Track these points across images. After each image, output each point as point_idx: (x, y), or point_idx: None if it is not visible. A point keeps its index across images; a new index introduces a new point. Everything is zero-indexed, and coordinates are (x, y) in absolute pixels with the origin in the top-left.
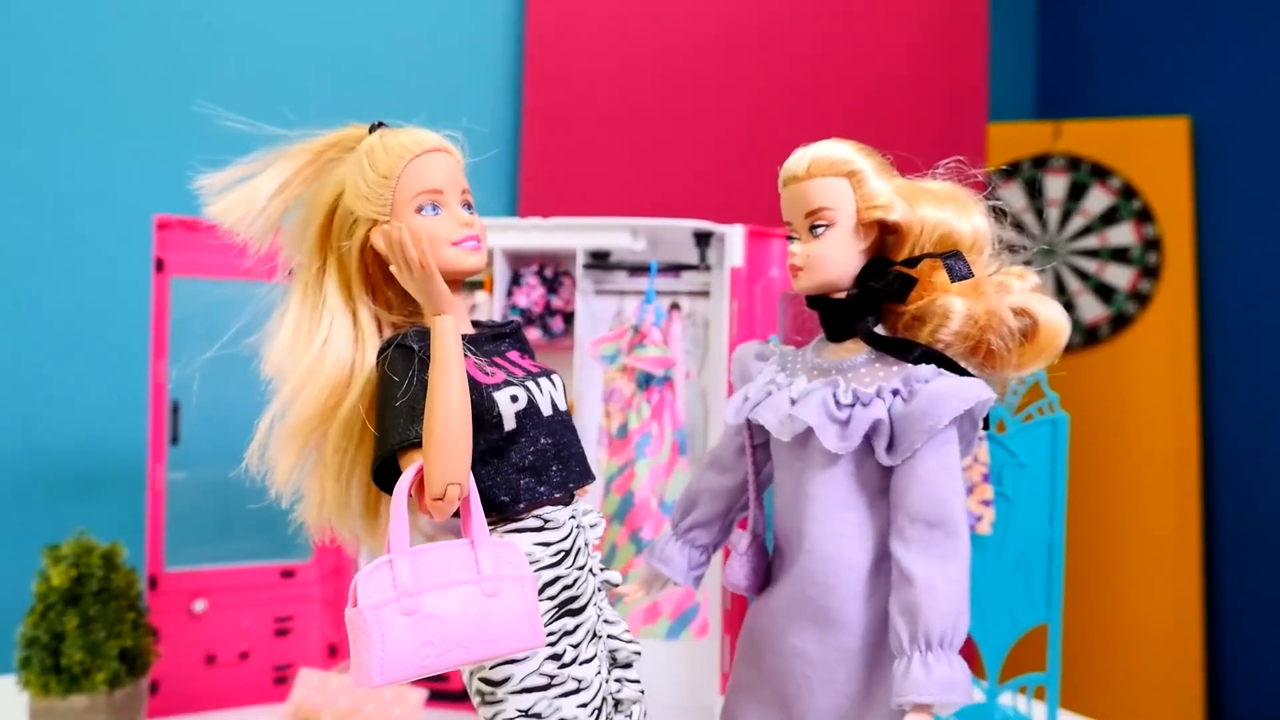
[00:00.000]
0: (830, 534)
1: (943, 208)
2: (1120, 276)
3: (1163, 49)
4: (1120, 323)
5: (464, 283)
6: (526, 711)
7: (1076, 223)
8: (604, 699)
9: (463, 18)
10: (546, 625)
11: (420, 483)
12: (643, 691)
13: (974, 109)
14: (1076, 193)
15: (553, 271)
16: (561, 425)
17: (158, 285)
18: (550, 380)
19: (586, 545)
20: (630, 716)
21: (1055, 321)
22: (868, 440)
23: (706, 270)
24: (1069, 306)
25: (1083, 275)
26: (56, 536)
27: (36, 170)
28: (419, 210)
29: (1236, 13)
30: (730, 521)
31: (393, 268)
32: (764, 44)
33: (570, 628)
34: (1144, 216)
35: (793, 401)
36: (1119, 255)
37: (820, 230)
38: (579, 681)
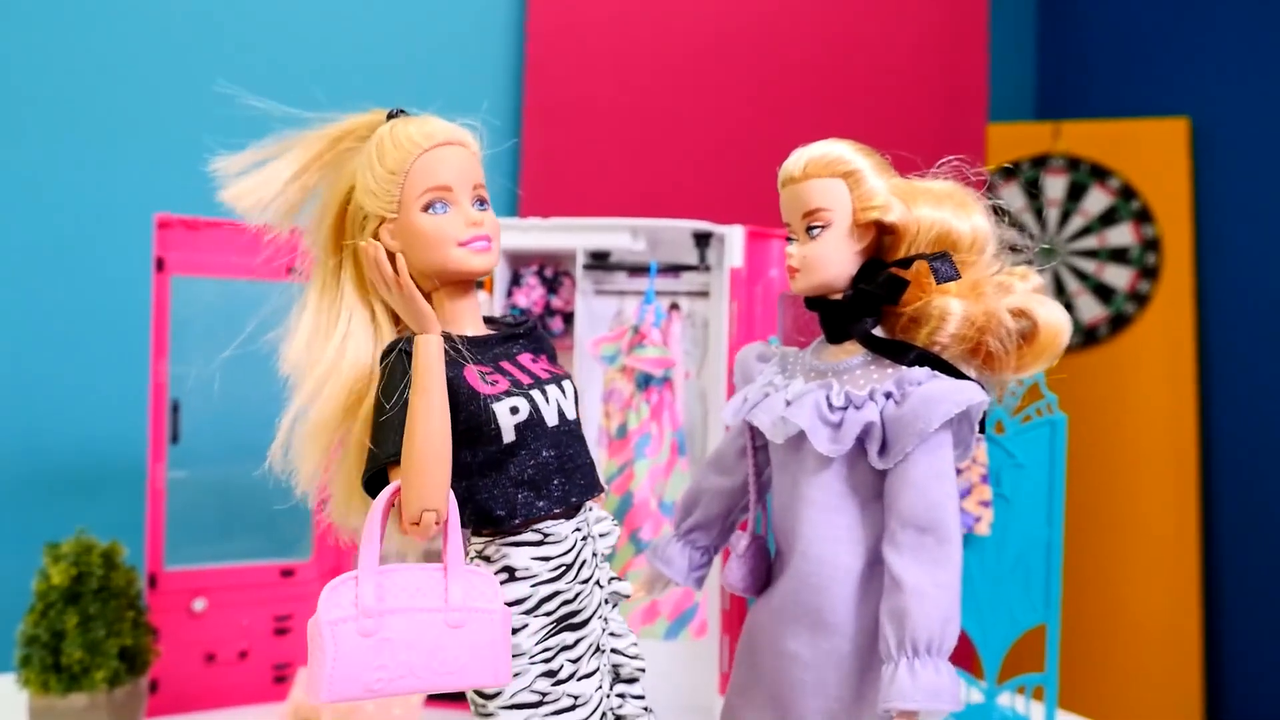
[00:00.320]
0: (823, 537)
1: (940, 207)
2: (1119, 277)
3: (1162, 50)
4: (1119, 323)
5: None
6: None
7: (1075, 223)
8: (604, 715)
9: (463, 18)
10: (543, 641)
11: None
12: (647, 709)
13: (974, 109)
14: (1076, 193)
15: (552, 272)
16: (568, 436)
17: (158, 284)
18: (560, 387)
19: (594, 556)
20: None
21: (1055, 323)
22: (861, 443)
23: (706, 271)
24: (1068, 307)
25: (1082, 276)
26: (56, 535)
27: (37, 169)
28: (426, 208)
29: (1236, 14)
30: (731, 523)
31: (376, 285)
32: (764, 44)
33: (570, 642)
34: (1143, 217)
35: (788, 404)
36: (1118, 256)
37: (817, 231)
38: (575, 698)
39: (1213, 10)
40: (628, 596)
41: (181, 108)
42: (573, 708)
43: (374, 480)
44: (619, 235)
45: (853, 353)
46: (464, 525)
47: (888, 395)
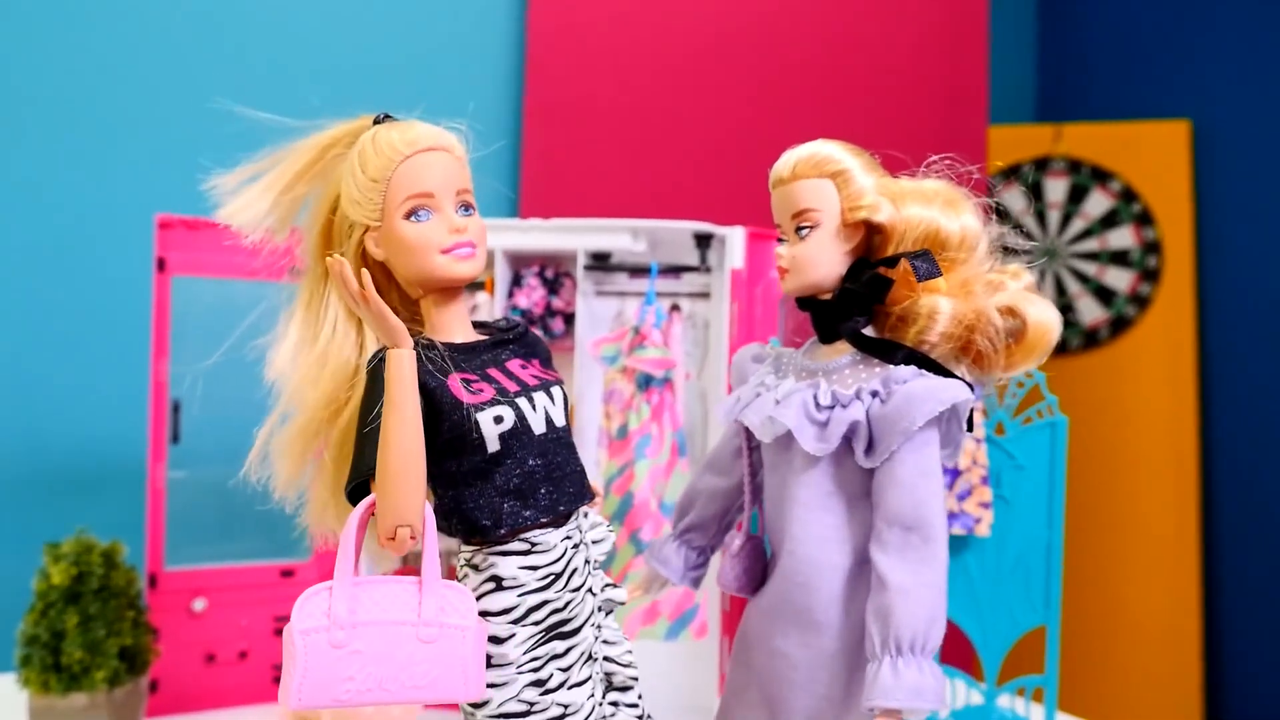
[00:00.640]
0: (811, 536)
1: (929, 206)
2: (1120, 279)
3: (1163, 52)
4: (1120, 325)
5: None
6: None
7: (1077, 225)
8: None
9: (464, 18)
10: (531, 650)
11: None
12: (641, 716)
13: (974, 111)
14: (1077, 195)
15: (553, 272)
16: (555, 443)
17: (159, 284)
18: (549, 393)
19: (587, 564)
20: None
21: (1044, 322)
22: (848, 442)
23: (707, 272)
24: (1068, 309)
25: (1083, 278)
26: (57, 535)
27: (38, 169)
28: (409, 215)
29: (1237, 17)
30: (728, 523)
31: (344, 299)
32: (765, 46)
33: (560, 651)
34: (1144, 219)
35: (777, 403)
36: (1119, 258)
37: (805, 231)
38: (565, 707)
39: (1213, 13)
40: (622, 603)
41: (182, 108)
42: (563, 716)
43: (358, 491)
44: (620, 236)
45: (842, 352)
46: (452, 534)
47: (874, 394)
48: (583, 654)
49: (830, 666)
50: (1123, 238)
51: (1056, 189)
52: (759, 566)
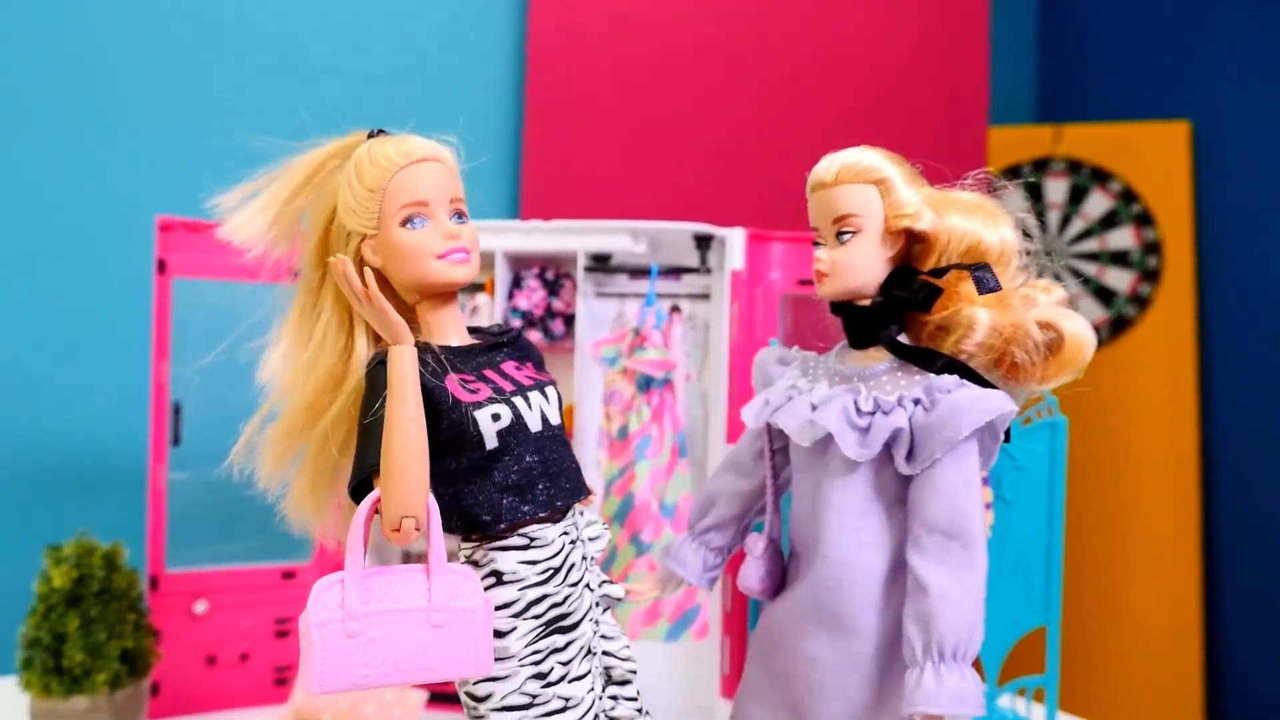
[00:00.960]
0: (847, 541)
1: (970, 218)
2: (1120, 280)
3: (1163, 53)
4: (1120, 326)
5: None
6: None
7: (1076, 226)
8: (595, 717)
9: (464, 20)
10: (533, 644)
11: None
12: (640, 710)
13: (975, 112)
14: (1077, 196)
15: (554, 274)
16: (552, 441)
17: (160, 286)
18: (544, 393)
19: (584, 559)
20: None
21: (1081, 336)
22: (887, 449)
23: (707, 273)
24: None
25: (1083, 279)
26: (58, 537)
27: (39, 171)
28: (404, 223)
29: (1237, 18)
30: (747, 525)
31: (348, 298)
32: (765, 47)
33: (560, 645)
34: (1144, 220)
35: (813, 407)
36: (1119, 259)
37: (847, 237)
38: (566, 700)
39: (1214, 14)
40: (620, 599)
41: (183, 110)
42: (564, 710)
43: (361, 489)
44: (620, 237)
45: (878, 359)
46: (452, 531)
47: (916, 402)
48: (582, 648)
49: (862, 671)
50: (1123, 238)
51: (1056, 190)
52: (779, 569)
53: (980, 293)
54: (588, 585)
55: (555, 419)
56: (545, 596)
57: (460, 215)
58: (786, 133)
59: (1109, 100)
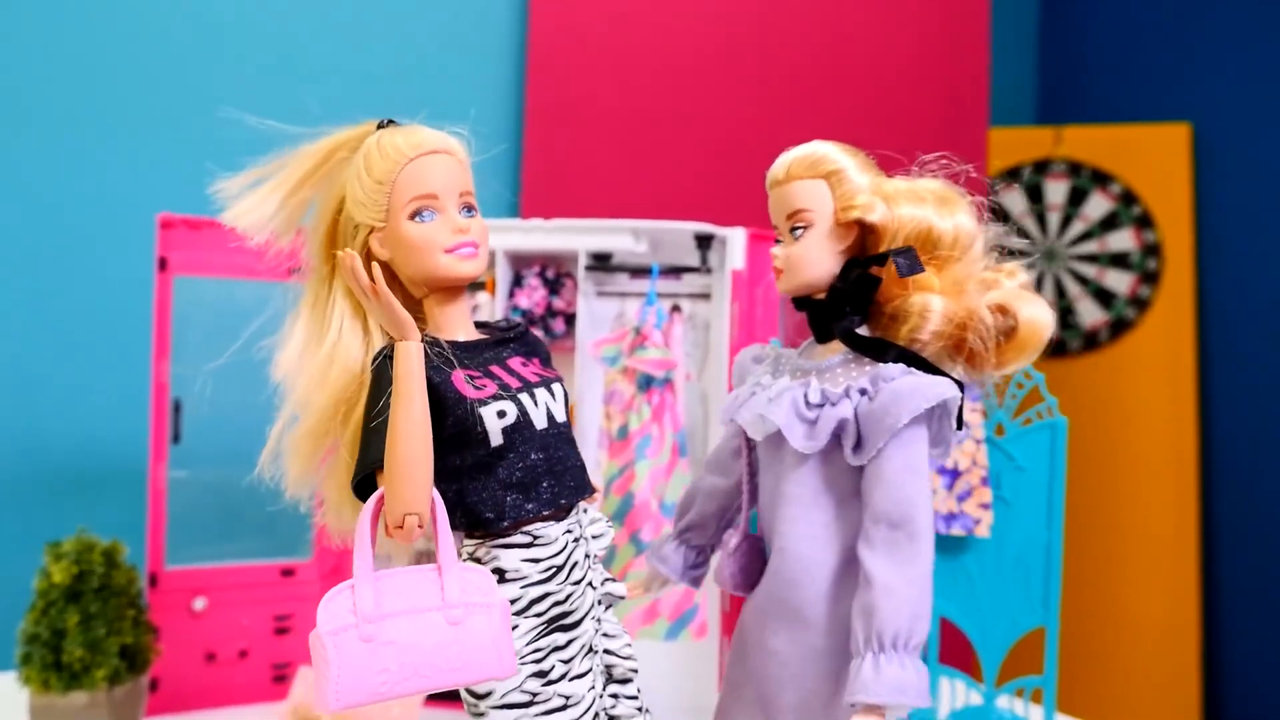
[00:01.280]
0: (801, 534)
1: (922, 206)
2: (1120, 282)
3: (1164, 55)
4: (1120, 328)
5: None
6: None
7: (1077, 228)
8: (596, 715)
9: (465, 20)
10: (534, 641)
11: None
12: (641, 709)
13: (975, 113)
14: (1077, 198)
15: (554, 273)
16: (557, 438)
17: (160, 284)
18: (550, 390)
19: (587, 557)
20: None
21: (1036, 320)
22: (838, 440)
23: (708, 273)
24: (1068, 311)
25: (1083, 280)
26: (58, 533)
27: (40, 169)
28: (413, 216)
29: (1237, 19)
30: (727, 522)
31: (355, 293)
32: (766, 47)
33: (561, 643)
34: (1144, 222)
35: (769, 402)
36: (1119, 260)
37: (800, 232)
38: (566, 698)
39: (1214, 16)
40: (622, 597)
41: (184, 108)
42: (564, 708)
43: (364, 486)
44: (621, 237)
45: (835, 351)
46: (455, 528)
47: (862, 391)
48: (583, 646)
49: (818, 663)
50: (1123, 240)
51: (1056, 191)
52: (756, 565)
53: (900, 275)
54: (590, 583)
55: (560, 416)
56: (548, 594)
57: (470, 209)
58: (787, 133)
59: (1109, 102)
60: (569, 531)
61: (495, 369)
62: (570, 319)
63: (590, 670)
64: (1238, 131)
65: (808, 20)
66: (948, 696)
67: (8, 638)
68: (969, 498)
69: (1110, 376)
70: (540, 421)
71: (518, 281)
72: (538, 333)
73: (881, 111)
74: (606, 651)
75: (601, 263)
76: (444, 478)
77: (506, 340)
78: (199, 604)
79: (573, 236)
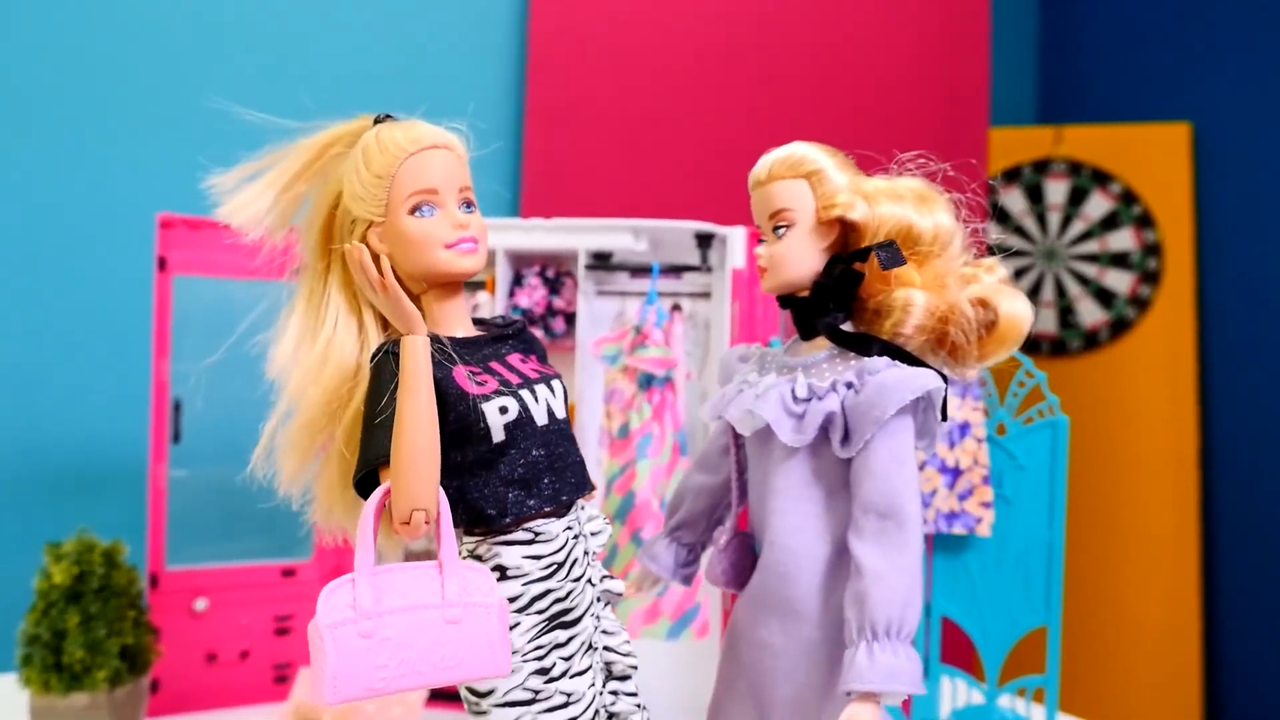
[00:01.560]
0: (791, 527)
1: (901, 204)
2: (1120, 281)
3: (1164, 55)
4: (1120, 327)
5: (465, 283)
6: None
7: (1077, 227)
8: (596, 712)
9: (465, 19)
10: (535, 639)
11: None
12: (640, 705)
13: (975, 113)
14: (1077, 197)
15: (555, 272)
16: (557, 435)
17: (160, 283)
18: (550, 386)
19: (586, 555)
20: None
21: (1016, 314)
22: (826, 433)
23: (708, 272)
24: (1069, 311)
25: (1083, 280)
26: (58, 534)
27: (39, 169)
28: (413, 211)
29: (1238, 19)
30: (717, 520)
31: (362, 288)
32: (766, 47)
33: (562, 640)
34: (1144, 222)
35: (757, 398)
36: (1119, 260)
37: (782, 231)
38: (568, 695)
39: (1214, 15)
40: (620, 595)
41: (184, 107)
42: (565, 705)
43: (365, 482)
44: (621, 236)
45: (821, 347)
46: (456, 524)
47: (848, 385)
48: (583, 643)
49: (811, 655)
50: (1123, 240)
51: (1057, 191)
52: (747, 562)
53: (882, 268)
54: (589, 580)
55: (560, 413)
56: (548, 591)
57: (469, 204)
58: (787, 132)
59: (1109, 101)
60: (569, 528)
61: (495, 365)
62: (570, 318)
63: (590, 667)
64: (1238, 131)
65: (807, 20)
66: (949, 696)
67: (8, 639)
68: (970, 496)
69: (1110, 376)
70: (541, 418)
71: (518, 281)
72: (538, 332)
73: (881, 111)
74: (606, 648)
75: (602, 262)
76: (445, 474)
77: (505, 336)
78: (200, 604)
79: (573, 235)
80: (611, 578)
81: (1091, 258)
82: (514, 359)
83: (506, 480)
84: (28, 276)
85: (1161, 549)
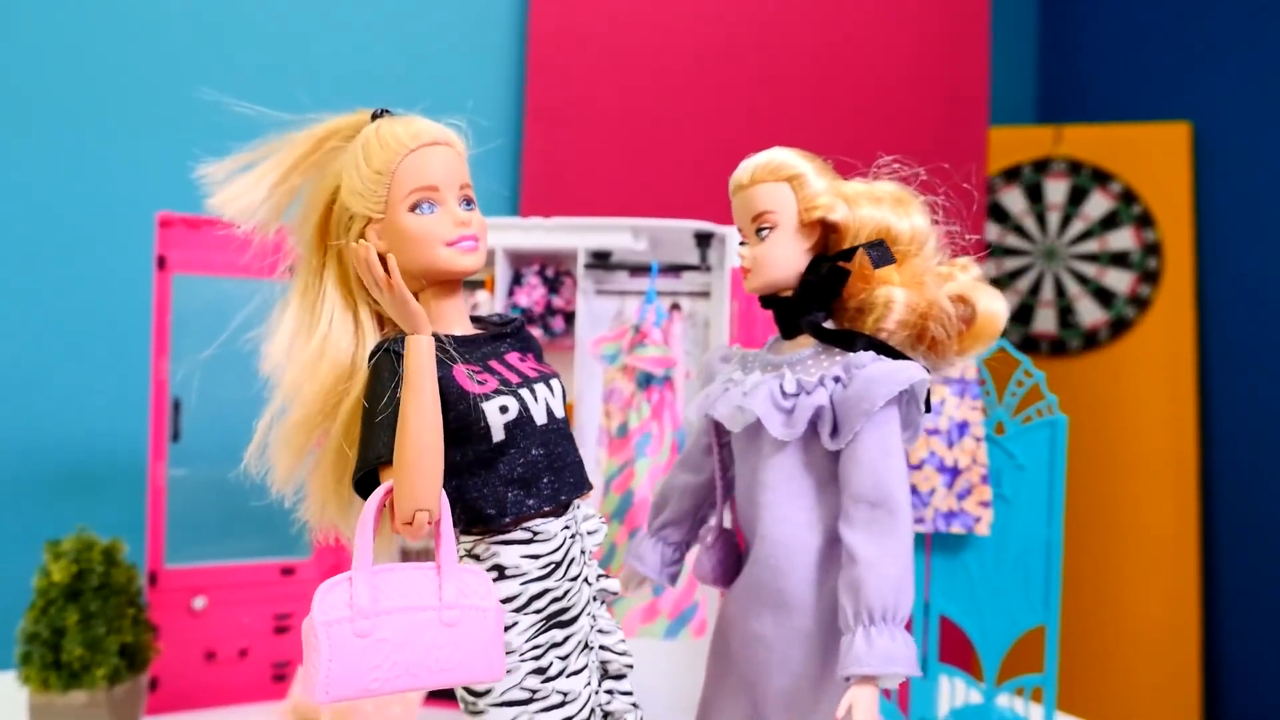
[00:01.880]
0: (781, 519)
1: (880, 207)
2: (1120, 281)
3: (1164, 54)
4: (1120, 327)
5: (464, 282)
6: None
7: (1077, 227)
8: (592, 711)
9: (465, 18)
10: (533, 638)
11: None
12: (635, 705)
13: (975, 112)
14: (1077, 197)
15: (554, 271)
16: (556, 434)
17: (159, 282)
18: (549, 386)
19: (583, 554)
20: None
21: (993, 309)
22: (814, 427)
23: (707, 271)
24: (1068, 310)
25: (1082, 279)
26: (57, 532)
27: (39, 168)
28: (413, 208)
29: (1238, 19)
30: (701, 518)
31: (367, 286)
32: (766, 46)
33: (559, 639)
34: (1144, 221)
35: (745, 395)
36: (1119, 260)
37: (765, 233)
38: (564, 695)
39: (1214, 15)
40: (616, 594)
41: (183, 106)
42: (562, 704)
43: (365, 481)
44: (620, 235)
45: (805, 345)
46: (454, 524)
47: (836, 379)
48: (580, 642)
49: (804, 645)
50: (1123, 239)
51: (1057, 190)
52: (733, 559)
53: (874, 266)
54: (586, 579)
55: (559, 412)
56: (546, 591)
57: (469, 202)
58: (787, 132)
59: (1109, 101)
60: (567, 528)
61: (494, 364)
62: (570, 317)
63: (586, 666)
64: (1238, 131)
65: (807, 20)
66: (948, 695)
67: (7, 636)
68: (969, 496)
69: (1110, 376)
70: (540, 417)
71: (517, 280)
72: (537, 331)
73: (881, 111)
74: (602, 647)
75: (601, 261)
76: (444, 473)
77: (503, 335)
78: (199, 603)
79: (572, 235)
80: (608, 577)
81: (1091, 257)
82: (512, 358)
83: (506, 479)
84: (27, 275)
85: (1161, 549)
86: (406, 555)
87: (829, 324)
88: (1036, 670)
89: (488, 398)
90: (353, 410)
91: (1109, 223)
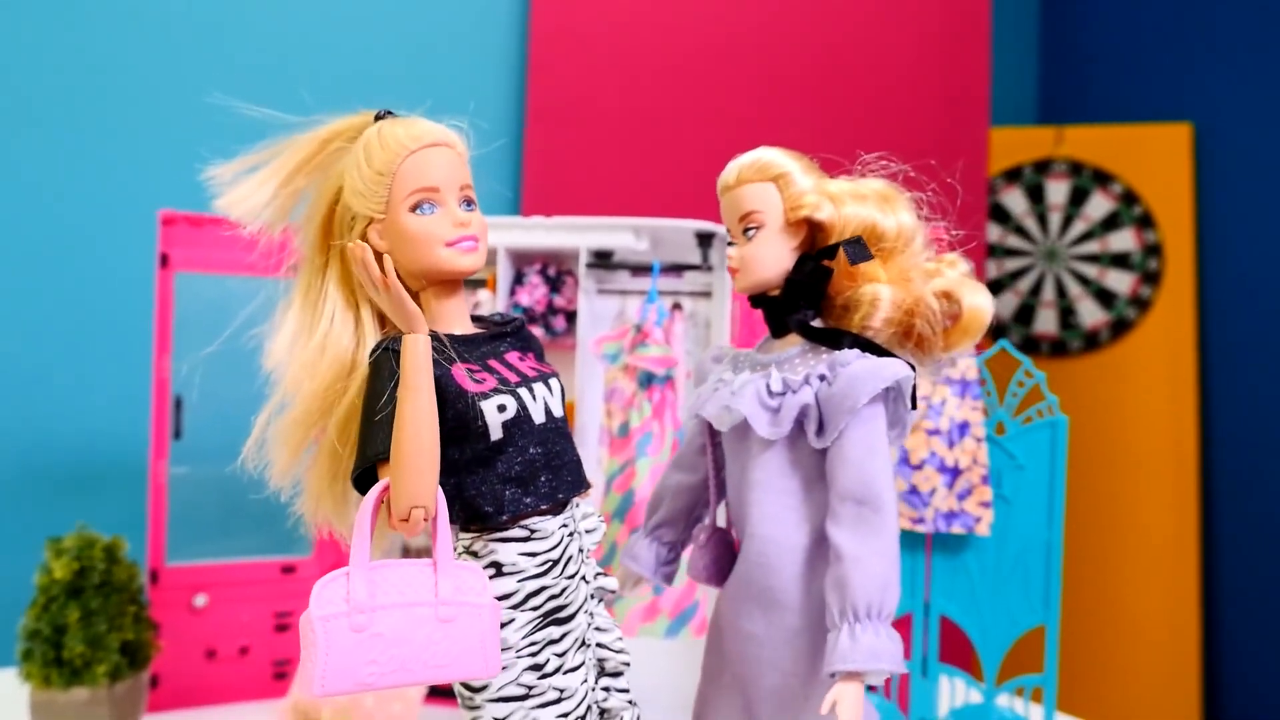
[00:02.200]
0: (770, 517)
1: (865, 204)
2: (1121, 282)
3: (1165, 55)
4: (1120, 328)
5: (465, 281)
6: None
7: (1078, 228)
8: (589, 708)
9: (466, 18)
10: (530, 635)
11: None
12: (631, 702)
13: (976, 113)
14: (1078, 198)
15: (555, 270)
16: (554, 433)
17: (162, 280)
18: (547, 385)
19: (581, 552)
20: None
21: (978, 305)
22: (801, 425)
23: (709, 270)
24: (1069, 311)
25: (1083, 280)
26: (59, 530)
27: (41, 166)
28: (414, 209)
29: (1239, 19)
30: (696, 518)
31: (364, 286)
32: (767, 46)
33: (556, 636)
34: (1145, 222)
35: (733, 394)
36: (1120, 261)
37: (752, 232)
38: (561, 691)
39: (1215, 15)
40: (614, 592)
41: (185, 105)
42: (559, 701)
43: (364, 478)
44: (622, 235)
45: (793, 344)
46: (452, 521)
47: (821, 377)
48: (577, 640)
49: (794, 643)
50: (1124, 240)
51: (1058, 191)
52: (727, 557)
53: (851, 263)
54: (583, 577)
55: (558, 411)
56: (544, 588)
57: (469, 202)
58: (788, 132)
59: (1110, 102)
60: (564, 526)
61: (493, 363)
62: (571, 316)
63: (583, 663)
64: (1238, 131)
65: (808, 20)
66: (948, 695)
67: (9, 634)
68: (969, 496)
69: (1111, 377)
70: (539, 416)
71: (519, 279)
72: (538, 330)
73: (881, 111)
74: (599, 645)
75: (602, 260)
76: (442, 471)
77: (503, 334)
78: (200, 600)
79: (574, 234)
80: (606, 575)
81: (1092, 258)
82: (512, 357)
83: (504, 478)
84: (29, 274)
85: (1161, 549)
86: (408, 552)
87: (818, 322)
88: (1036, 670)
89: (486, 396)
90: (349, 408)
91: (1110, 224)
